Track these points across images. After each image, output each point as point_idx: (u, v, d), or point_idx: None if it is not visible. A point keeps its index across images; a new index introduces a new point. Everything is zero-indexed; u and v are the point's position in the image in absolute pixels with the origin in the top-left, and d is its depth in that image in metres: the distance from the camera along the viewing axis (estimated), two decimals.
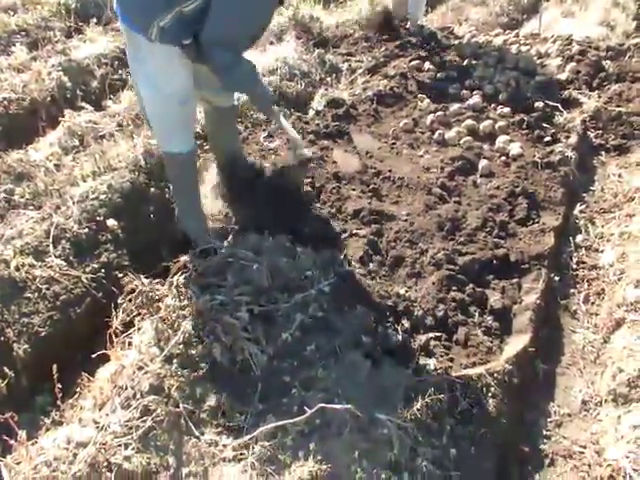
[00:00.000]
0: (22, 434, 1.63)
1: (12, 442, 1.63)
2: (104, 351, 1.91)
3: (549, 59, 4.09)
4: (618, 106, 3.51)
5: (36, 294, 2.18)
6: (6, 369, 1.97)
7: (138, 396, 1.69)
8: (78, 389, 1.94)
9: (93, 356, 1.93)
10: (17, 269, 2.20)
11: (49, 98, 3.43)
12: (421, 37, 4.42)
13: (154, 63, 2.11)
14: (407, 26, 4.57)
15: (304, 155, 2.59)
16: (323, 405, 1.60)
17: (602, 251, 2.66)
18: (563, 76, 3.85)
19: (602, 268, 2.57)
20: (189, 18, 1.99)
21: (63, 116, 3.17)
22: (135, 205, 2.59)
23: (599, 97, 3.66)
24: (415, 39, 4.38)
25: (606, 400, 1.97)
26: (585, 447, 1.88)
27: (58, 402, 1.84)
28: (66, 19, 4.44)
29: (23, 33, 4.23)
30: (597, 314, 2.38)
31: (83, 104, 3.34)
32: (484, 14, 5.69)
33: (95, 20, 4.36)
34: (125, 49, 2.26)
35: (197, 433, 1.63)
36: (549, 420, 2.01)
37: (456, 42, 4.44)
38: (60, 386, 1.84)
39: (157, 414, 1.64)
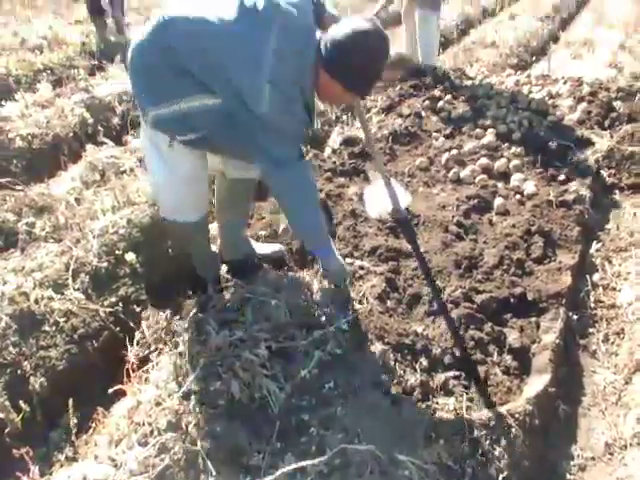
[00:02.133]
0: (35, 470, 1.62)
1: (24, 478, 1.62)
2: (120, 386, 1.90)
3: (560, 99, 4.14)
4: (630, 146, 3.53)
5: (54, 327, 2.19)
6: (22, 403, 1.95)
7: (155, 433, 1.67)
8: (93, 424, 1.92)
9: (109, 391, 1.92)
10: (36, 302, 2.21)
11: (71, 133, 3.54)
12: (435, 78, 4.51)
13: (163, 147, 1.97)
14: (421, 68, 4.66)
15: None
16: (345, 446, 1.58)
17: (620, 290, 2.63)
18: (575, 116, 3.89)
19: (620, 307, 2.54)
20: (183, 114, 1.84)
21: (85, 151, 3.25)
22: (154, 239, 2.61)
23: (611, 137, 3.69)
24: (429, 79, 4.46)
25: (631, 444, 1.92)
26: None
27: (72, 438, 1.82)
28: (90, 58, 4.59)
29: (48, 71, 4.38)
30: (617, 354, 2.35)
31: (104, 139, 3.42)
32: (494, 55, 5.83)
33: (118, 58, 4.51)
34: None
35: (215, 472, 1.60)
36: (572, 463, 1.95)
37: (468, 82, 4.53)
38: (75, 421, 1.83)
39: (174, 452, 1.62)
